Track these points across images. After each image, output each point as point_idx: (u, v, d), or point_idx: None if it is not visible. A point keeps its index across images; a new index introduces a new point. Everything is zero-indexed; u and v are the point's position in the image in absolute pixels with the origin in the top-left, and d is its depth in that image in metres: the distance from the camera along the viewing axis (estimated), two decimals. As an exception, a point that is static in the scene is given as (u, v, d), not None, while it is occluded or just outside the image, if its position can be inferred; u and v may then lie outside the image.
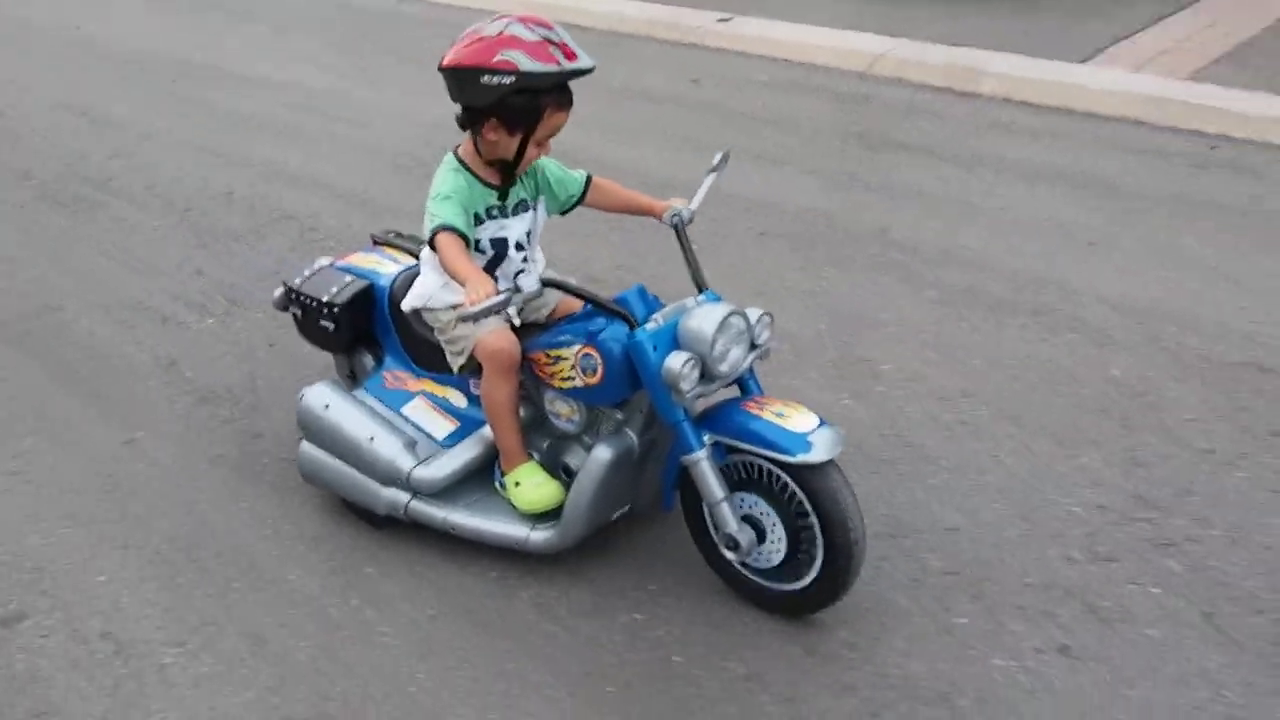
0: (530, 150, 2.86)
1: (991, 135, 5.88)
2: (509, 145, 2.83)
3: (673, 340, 2.75)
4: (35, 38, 8.57)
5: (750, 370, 2.91)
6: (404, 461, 3.10)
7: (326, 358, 3.79)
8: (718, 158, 3.15)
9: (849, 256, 4.62)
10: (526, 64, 2.67)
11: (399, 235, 3.55)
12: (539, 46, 2.69)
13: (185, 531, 3.31)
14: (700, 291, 2.91)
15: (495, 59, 2.68)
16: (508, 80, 2.68)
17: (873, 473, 3.40)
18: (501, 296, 2.50)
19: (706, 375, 2.76)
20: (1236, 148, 5.58)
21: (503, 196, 2.96)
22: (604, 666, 2.78)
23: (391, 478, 3.12)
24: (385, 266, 3.39)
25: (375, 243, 3.57)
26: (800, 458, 2.64)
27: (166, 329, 4.37)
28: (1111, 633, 2.80)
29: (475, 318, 2.47)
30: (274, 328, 4.29)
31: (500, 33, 2.70)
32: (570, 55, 2.71)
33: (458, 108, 2.80)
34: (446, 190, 2.84)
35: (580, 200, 3.14)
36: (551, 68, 2.69)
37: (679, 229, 3.04)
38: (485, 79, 2.69)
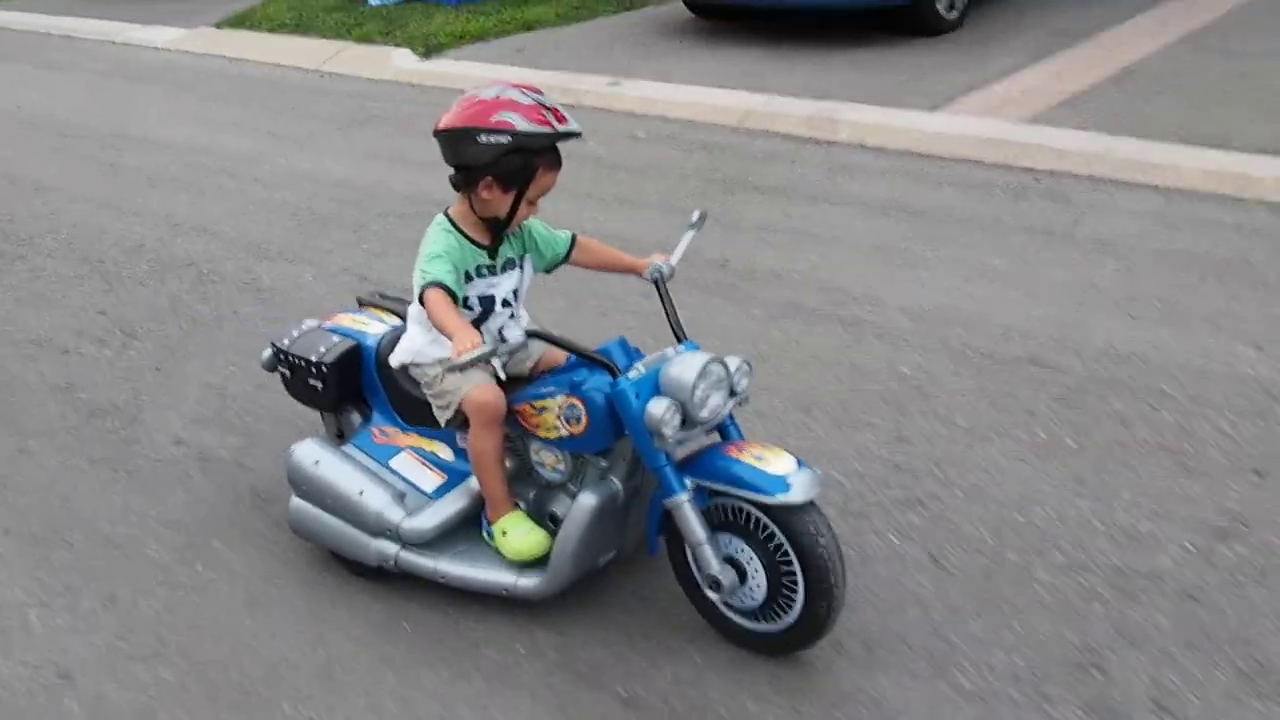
0: (522, 208, 2.98)
1: (840, 176, 6.44)
2: (503, 203, 2.94)
3: (654, 388, 2.83)
4: None
5: (730, 416, 3.01)
6: (393, 513, 3.17)
7: (206, 374, 4.26)
8: (695, 216, 3.28)
9: (690, 280, 5.13)
10: (522, 125, 2.81)
11: (383, 296, 3.66)
12: (533, 110, 2.84)
13: (61, 519, 3.77)
14: (680, 341, 3.02)
15: (492, 120, 2.82)
16: (504, 140, 2.81)
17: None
18: (487, 347, 2.59)
19: (688, 421, 2.84)
20: (1057, 180, 6.15)
21: (492, 255, 3.06)
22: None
23: (381, 529, 3.19)
24: (371, 326, 3.48)
25: (361, 304, 3.67)
26: (779, 499, 2.74)
27: (66, 358, 4.86)
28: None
29: (462, 367, 2.58)
30: (163, 356, 4.78)
31: (496, 97, 2.85)
32: (561, 119, 2.86)
33: (451, 170, 2.96)
34: (438, 249, 2.94)
35: (566, 259, 3.25)
36: (545, 129, 2.83)
37: (659, 284, 3.14)
38: (482, 139, 2.82)
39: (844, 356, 4.50)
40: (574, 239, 3.25)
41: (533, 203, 3.00)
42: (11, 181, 7.25)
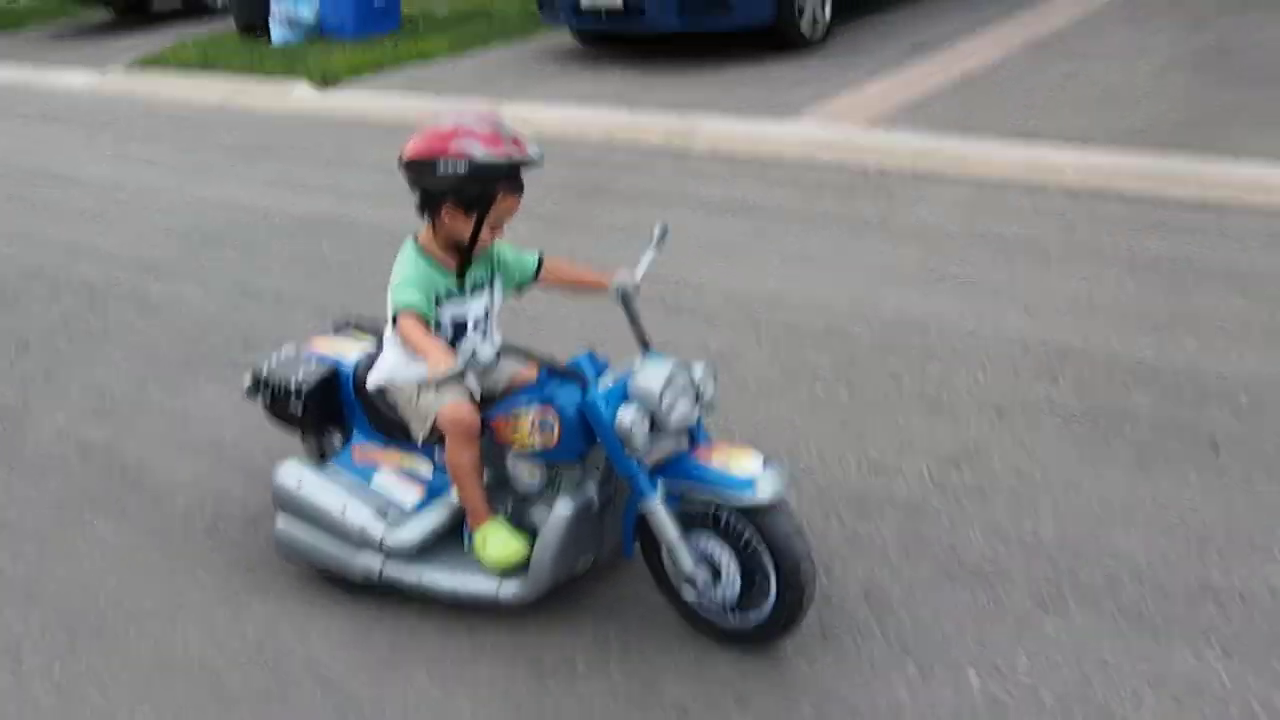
0: (484, 233, 3.03)
1: (691, 182, 7.02)
2: (465, 228, 3.00)
3: (623, 398, 2.91)
4: None
5: (698, 421, 3.09)
6: (376, 529, 3.26)
7: (91, 378, 4.73)
8: (657, 231, 3.36)
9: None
10: (479, 153, 2.88)
11: (358, 322, 3.75)
12: (491, 137, 2.89)
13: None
14: (646, 352, 3.12)
15: (451, 148, 2.89)
16: (462, 167, 2.89)
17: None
18: (460, 364, 2.66)
19: (657, 428, 2.93)
20: (884, 177, 6.74)
21: (460, 278, 3.13)
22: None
23: (365, 545, 3.28)
24: (348, 349, 3.55)
25: (337, 329, 3.75)
26: (747, 498, 2.84)
27: (-38, 372, 5.34)
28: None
29: (437, 384, 2.72)
30: (53, 365, 5.28)
31: (455, 126, 2.91)
32: (519, 145, 2.92)
33: (416, 197, 3.05)
34: (408, 275, 3.01)
35: (535, 279, 3.32)
36: (502, 158, 2.90)
37: (625, 298, 3.24)
38: (441, 167, 2.90)
39: (663, 336, 4.97)
40: (541, 259, 3.33)
41: (495, 227, 3.05)
42: (-76, 218, 7.71)
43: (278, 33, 11.41)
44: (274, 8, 11.45)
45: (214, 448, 4.45)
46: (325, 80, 9.90)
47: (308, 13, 11.40)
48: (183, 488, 4.19)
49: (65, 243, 6.96)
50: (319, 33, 11.48)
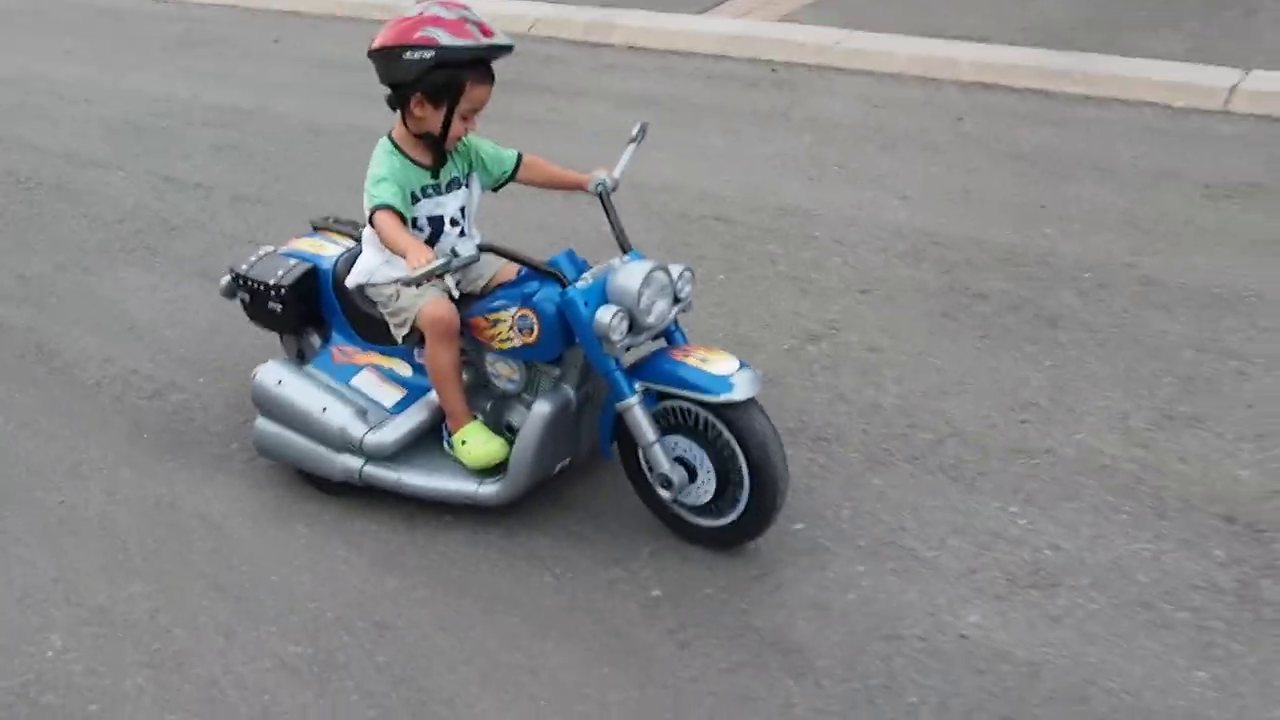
0: (456, 124, 3.00)
1: (605, 75, 7.22)
2: (435, 119, 2.97)
3: (602, 296, 2.93)
4: None
5: (675, 322, 3.12)
6: (356, 429, 3.26)
7: (12, 262, 4.93)
8: (636, 129, 3.37)
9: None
10: (445, 39, 2.84)
11: (337, 220, 3.72)
12: (457, 24, 2.86)
13: None
14: (625, 252, 3.12)
15: (416, 36, 2.85)
16: (428, 55, 2.85)
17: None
18: (441, 260, 2.67)
19: (635, 327, 2.95)
20: (789, 70, 6.96)
21: (435, 174, 3.11)
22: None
23: (345, 445, 3.28)
24: (327, 249, 3.54)
25: (315, 228, 3.73)
26: (723, 397, 2.85)
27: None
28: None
29: (417, 281, 2.67)
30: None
31: (420, 13, 2.86)
32: (487, 32, 2.88)
33: (386, 90, 3.01)
34: (382, 172, 3.00)
35: (512, 177, 3.30)
36: (469, 42, 2.87)
37: (603, 197, 3.24)
38: (407, 55, 2.86)
39: (564, 222, 5.28)
40: (520, 157, 3.30)
41: (467, 118, 3.01)
42: None
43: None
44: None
45: (125, 327, 4.70)
46: (260, -29, 9.88)
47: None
48: (93, 363, 4.43)
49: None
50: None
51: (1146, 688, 2.70)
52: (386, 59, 2.92)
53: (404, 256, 2.75)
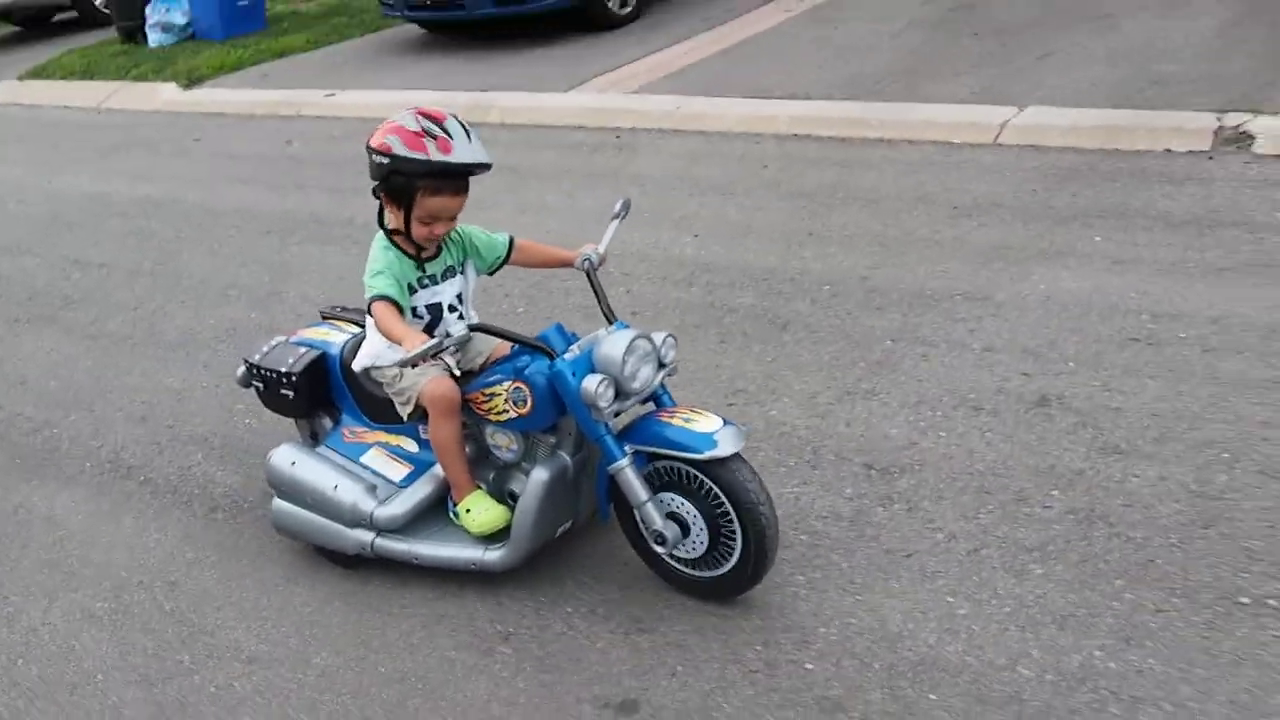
0: (416, 228, 3.12)
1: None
2: (399, 219, 3.13)
3: (589, 367, 3.06)
4: None
5: (662, 386, 3.24)
6: (366, 504, 3.42)
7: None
8: (618, 205, 3.52)
9: (320, 236, 6.79)
10: (399, 150, 2.98)
11: (344, 309, 3.88)
12: (415, 137, 2.97)
13: None
14: (611, 323, 3.24)
15: (377, 142, 3.02)
16: (385, 161, 3.01)
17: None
18: (433, 341, 2.79)
19: (621, 394, 3.08)
20: (633, 135, 7.83)
21: (429, 265, 3.26)
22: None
23: (357, 520, 3.44)
24: (334, 336, 3.69)
25: (324, 317, 3.89)
26: (707, 454, 2.97)
27: None
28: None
29: (413, 363, 2.82)
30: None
31: (389, 121, 3.03)
32: (446, 149, 2.98)
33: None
34: (379, 266, 3.13)
35: (506, 260, 3.44)
36: (419, 156, 2.97)
37: (589, 273, 3.38)
38: (373, 158, 3.05)
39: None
40: (512, 241, 3.45)
41: (429, 224, 3.11)
42: None
43: (154, 37, 12.42)
44: (149, 14, 12.44)
45: (17, 381, 5.53)
46: (190, 80, 10.92)
47: (180, 17, 12.42)
48: (-15, 411, 5.25)
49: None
50: (193, 35, 12.49)
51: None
52: (369, 158, 3.09)
53: (399, 344, 2.88)
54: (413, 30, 11.74)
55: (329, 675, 3.35)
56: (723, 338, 4.97)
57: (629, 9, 10.62)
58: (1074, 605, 3.22)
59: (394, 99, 9.28)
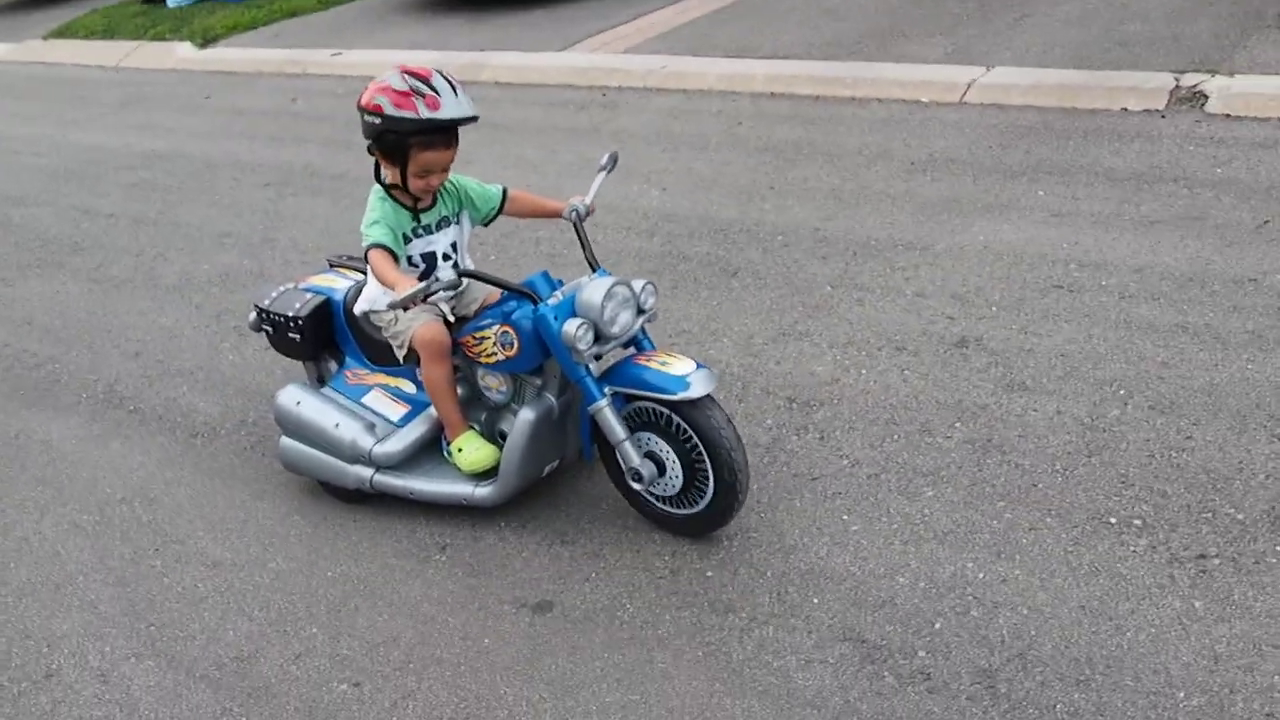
0: (412, 181, 3.24)
1: (467, 106, 8.47)
2: (396, 175, 3.25)
3: (571, 311, 3.20)
4: None
5: (642, 330, 3.38)
6: (365, 441, 3.59)
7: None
8: (605, 158, 3.63)
9: (312, 188, 7.15)
10: (389, 110, 3.09)
11: (350, 258, 3.99)
12: (403, 96, 3.08)
13: None
14: (594, 270, 3.38)
15: (367, 102, 3.14)
16: (377, 121, 3.12)
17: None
18: (420, 285, 2.93)
19: (601, 337, 3.21)
20: (619, 93, 8.12)
21: (418, 217, 3.37)
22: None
23: (356, 456, 3.61)
24: (339, 283, 3.84)
25: (331, 265, 4.06)
26: (679, 395, 3.10)
27: None
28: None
29: (403, 305, 2.95)
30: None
31: (378, 81, 3.14)
32: (434, 106, 3.08)
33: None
34: (375, 216, 3.27)
35: (499, 211, 3.58)
36: (409, 114, 3.07)
37: (576, 223, 3.52)
38: (365, 118, 3.16)
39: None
40: (505, 192, 3.58)
41: (423, 177, 3.23)
42: None
43: (173, -2, 12.80)
44: (171, -26, 12.80)
45: (24, 321, 5.92)
46: (205, 39, 11.28)
47: (200, -23, 12.78)
48: (-6, 347, 5.66)
49: (-49, 186, 8.43)
50: (210, -5, 12.87)
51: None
52: (361, 118, 3.21)
53: (392, 288, 3.03)
54: (423, -10, 12.02)
55: (282, 578, 3.71)
56: (675, 284, 5.27)
57: (628, -30, 10.73)
58: (956, 524, 3.53)
59: (396, 57, 9.55)
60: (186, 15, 12.29)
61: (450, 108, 3.13)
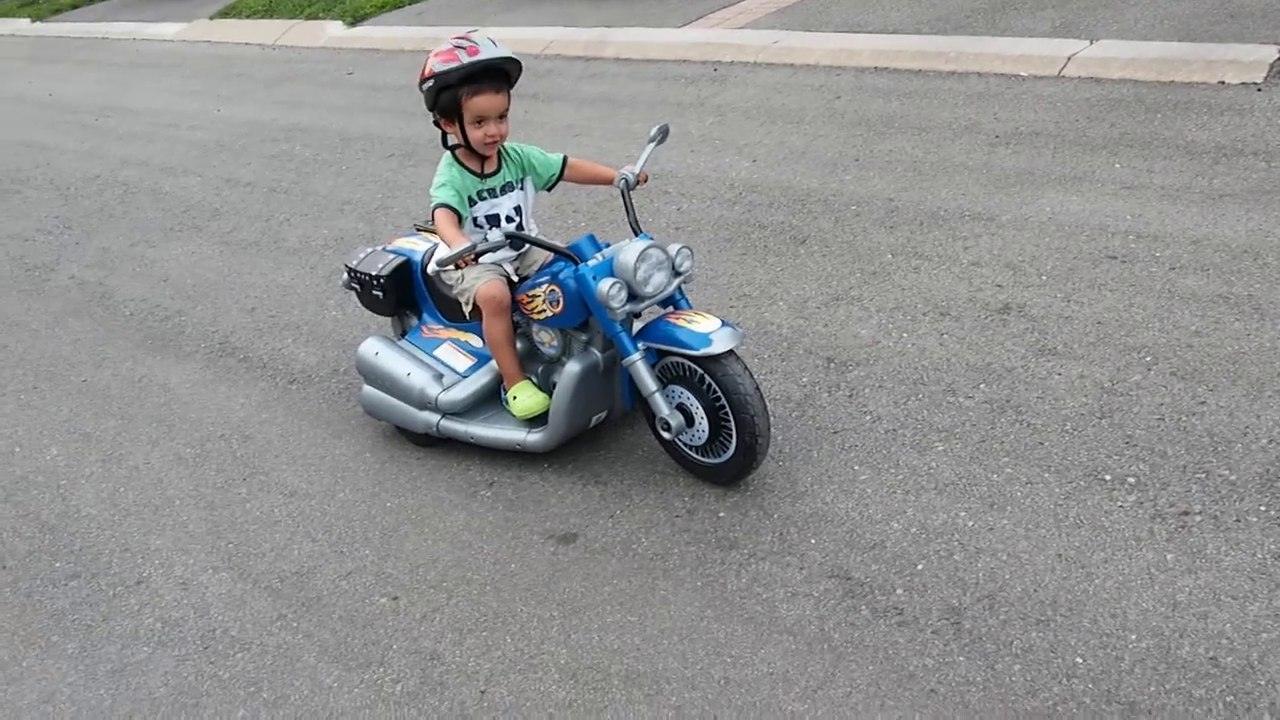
0: (471, 132, 3.46)
1: (584, 82, 8.80)
2: (458, 133, 3.47)
3: (609, 271, 3.40)
4: (18, 105, 12.17)
5: (680, 291, 3.59)
6: (433, 389, 3.91)
7: (104, 243, 6.93)
8: (655, 130, 3.81)
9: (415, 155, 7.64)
10: (438, 66, 3.36)
11: (433, 223, 3.91)
12: (448, 52, 3.35)
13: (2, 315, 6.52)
14: (636, 235, 3.56)
15: (422, 73, 3.44)
16: (430, 83, 3.39)
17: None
18: (469, 244, 3.14)
19: (636, 296, 3.41)
20: (729, 68, 8.36)
21: (486, 179, 3.60)
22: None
23: (424, 403, 3.92)
24: (420, 245, 4.13)
25: (417, 229, 4.33)
26: (702, 351, 3.29)
27: (25, 243, 7.63)
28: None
29: (450, 261, 3.18)
30: (81, 236, 7.51)
31: (431, 53, 3.41)
32: (473, 53, 3.35)
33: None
34: (443, 179, 3.52)
35: (560, 177, 3.82)
36: (453, 65, 3.34)
37: (624, 191, 3.76)
38: (423, 87, 3.44)
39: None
40: (565, 160, 3.82)
41: (480, 125, 3.46)
42: (27, 146, 10.14)
43: (330, -22, 13.52)
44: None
45: (160, 279, 6.52)
46: (355, 19, 11.92)
47: (354, -42, 13.47)
48: (133, 301, 6.26)
49: (117, 157, 9.23)
50: (364, -24, 13.55)
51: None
52: (421, 92, 3.52)
53: (449, 246, 3.27)
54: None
55: (347, 506, 4.15)
56: (745, 250, 5.54)
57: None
58: (959, 476, 3.74)
59: (522, 35, 10.08)
60: (339, -3, 12.96)
61: (488, 51, 3.40)
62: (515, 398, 3.80)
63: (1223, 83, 6.37)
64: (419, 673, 3.27)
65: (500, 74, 3.50)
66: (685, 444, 3.67)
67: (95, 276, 6.69)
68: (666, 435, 3.56)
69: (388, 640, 3.42)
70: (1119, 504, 3.47)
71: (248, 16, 13.15)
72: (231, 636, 3.54)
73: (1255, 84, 6.25)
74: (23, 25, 16.40)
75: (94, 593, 3.84)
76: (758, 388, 3.47)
